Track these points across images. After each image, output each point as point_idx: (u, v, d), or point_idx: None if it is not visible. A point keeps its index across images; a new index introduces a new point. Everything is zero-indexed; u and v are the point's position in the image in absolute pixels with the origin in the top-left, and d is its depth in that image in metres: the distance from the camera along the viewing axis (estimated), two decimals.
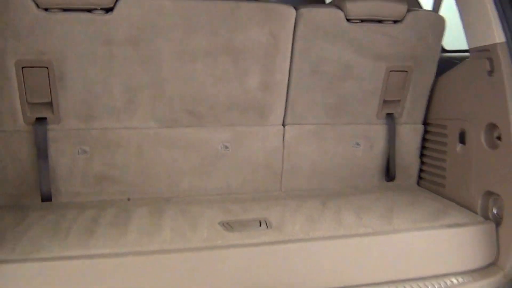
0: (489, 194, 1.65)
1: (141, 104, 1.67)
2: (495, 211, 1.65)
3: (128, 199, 1.74)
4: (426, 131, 2.00)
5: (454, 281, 1.50)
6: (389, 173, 1.96)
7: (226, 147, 1.79)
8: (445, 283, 1.49)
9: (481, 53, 1.64)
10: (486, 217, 1.65)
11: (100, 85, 1.61)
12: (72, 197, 1.69)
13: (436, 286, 1.48)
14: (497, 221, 1.61)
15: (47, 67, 1.55)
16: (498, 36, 1.56)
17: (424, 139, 2.00)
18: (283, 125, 1.84)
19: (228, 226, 1.52)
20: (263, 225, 1.54)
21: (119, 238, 1.40)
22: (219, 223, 1.54)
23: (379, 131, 1.94)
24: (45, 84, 1.57)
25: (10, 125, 1.60)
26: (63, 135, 1.65)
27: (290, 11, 1.66)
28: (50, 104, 1.61)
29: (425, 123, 1.99)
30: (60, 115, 1.62)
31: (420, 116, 1.97)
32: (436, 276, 1.51)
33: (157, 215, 1.58)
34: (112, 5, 1.52)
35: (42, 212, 1.57)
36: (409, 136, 1.98)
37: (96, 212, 1.58)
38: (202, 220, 1.55)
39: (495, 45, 1.57)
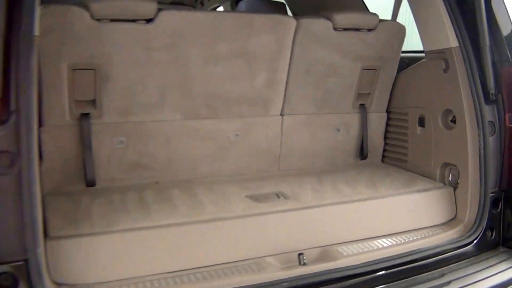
0: (446, 165, 2.12)
1: (170, 100, 1.96)
2: (450, 178, 2.12)
3: (157, 183, 2.02)
4: (389, 118, 2.44)
5: (429, 232, 1.94)
6: (362, 153, 2.39)
7: (237, 135, 2.13)
8: (423, 234, 1.92)
9: (437, 55, 2.10)
10: (445, 184, 2.12)
11: (138, 85, 1.88)
12: (110, 182, 1.94)
13: (415, 237, 1.90)
14: (454, 186, 2.08)
15: (94, 69, 1.79)
16: (452, 41, 2.01)
17: (387, 125, 2.45)
18: (281, 115, 2.20)
19: (255, 198, 1.86)
20: (281, 197, 1.90)
21: (174, 211, 1.69)
22: (246, 197, 1.87)
23: (354, 118, 2.36)
24: (91, 84, 1.82)
25: (58, 120, 1.82)
26: (103, 128, 1.90)
27: (293, 22, 2.02)
28: (93, 102, 1.85)
29: (388, 111, 2.44)
30: (102, 111, 1.87)
31: (384, 105, 2.41)
32: (414, 230, 1.95)
33: (190, 193, 1.88)
34: (152, 17, 1.80)
35: (90, 196, 1.81)
36: (376, 123, 2.41)
37: (137, 194, 1.85)
38: (230, 195, 1.88)
39: (450, 49, 2.02)
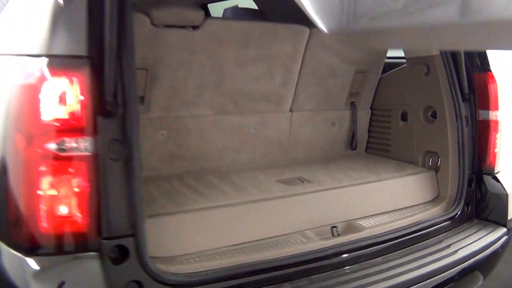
0: (427, 152, 2.52)
1: (205, 97, 2.21)
2: (430, 163, 2.52)
3: (189, 171, 2.25)
4: (372, 114, 2.83)
5: (422, 208, 2.31)
6: (352, 144, 2.75)
7: (255, 129, 2.41)
8: (417, 209, 2.30)
9: (419, 61, 2.50)
10: (426, 168, 2.53)
11: (180, 84, 2.11)
12: (150, 171, 2.14)
13: (413, 212, 2.27)
14: (435, 170, 2.49)
15: (146, 69, 2.00)
16: (435, 50, 2.42)
17: (370, 120, 2.83)
18: (291, 111, 2.51)
19: (284, 182, 2.15)
20: (304, 181, 2.20)
21: (225, 194, 1.95)
22: (275, 181, 2.16)
23: (346, 114, 2.72)
24: (142, 83, 2.02)
25: None
26: (148, 123, 2.10)
27: (307, 30, 2.33)
28: (142, 98, 2.05)
29: (372, 108, 2.82)
30: (149, 107, 2.08)
31: (369, 103, 2.79)
32: (410, 206, 2.32)
33: (227, 180, 2.14)
34: (199, 24, 2.04)
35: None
36: (362, 118, 2.79)
37: (179, 181, 2.08)
38: (262, 180, 2.16)
39: (432, 56, 2.42)
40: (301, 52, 2.36)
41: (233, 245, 1.79)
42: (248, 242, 1.82)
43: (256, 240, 1.84)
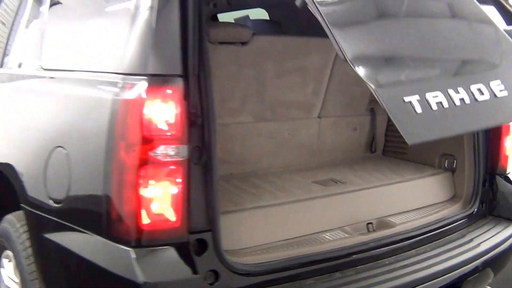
0: (443, 155, 2.75)
1: (248, 106, 2.42)
2: (446, 165, 2.75)
3: (231, 174, 2.46)
4: (389, 119, 3.06)
5: (443, 206, 2.54)
6: (372, 147, 2.99)
7: (289, 134, 2.63)
8: (439, 207, 2.53)
9: None
10: (443, 169, 2.76)
11: (228, 94, 2.32)
12: None
13: (434, 210, 2.50)
14: (452, 171, 2.72)
15: None
16: None
17: (387, 124, 3.07)
18: (319, 117, 2.73)
19: (320, 183, 2.37)
20: (338, 182, 2.43)
21: (273, 194, 2.16)
22: (312, 182, 2.38)
23: (366, 120, 2.95)
24: None
25: None
26: None
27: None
28: None
29: None
30: None
31: None
32: (432, 205, 2.56)
33: (269, 181, 2.35)
34: (247, 40, 2.25)
35: None
36: (381, 123, 3.03)
37: (226, 182, 2.28)
38: (300, 182, 2.37)
39: None
40: (330, 64, 2.58)
41: (286, 240, 2.00)
42: (299, 236, 2.03)
43: (305, 235, 2.05)
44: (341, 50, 1.42)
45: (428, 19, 1.74)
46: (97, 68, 1.76)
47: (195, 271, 1.55)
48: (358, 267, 1.97)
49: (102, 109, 1.58)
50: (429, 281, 2.00)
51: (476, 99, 1.52)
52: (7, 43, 2.79)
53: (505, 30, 1.78)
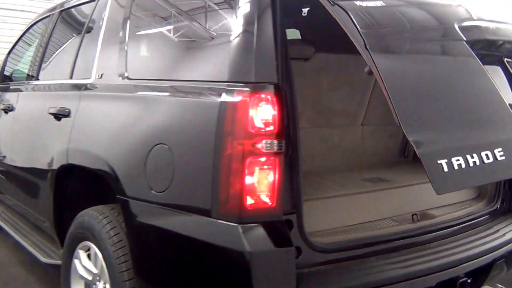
0: None
1: (306, 113, 2.77)
2: None
3: None
4: None
5: (469, 203, 2.88)
6: (405, 153, 3.34)
7: (338, 139, 2.98)
8: (466, 204, 2.87)
9: None
10: None
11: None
12: None
13: (464, 206, 2.84)
14: None
15: None
16: None
17: None
18: (362, 125, 3.08)
19: (369, 181, 2.71)
20: (384, 180, 2.77)
21: (334, 188, 2.50)
22: (362, 180, 2.72)
23: (400, 128, 3.29)
24: None
25: None
26: None
27: None
28: None
29: None
30: None
31: None
32: (462, 201, 2.90)
33: (324, 178, 2.69)
34: (310, 57, 2.61)
35: None
36: None
37: None
38: (352, 179, 2.71)
39: None
40: (374, 79, 2.94)
41: (349, 225, 2.33)
42: (358, 223, 2.37)
43: (363, 222, 2.39)
44: (395, 112, 1.83)
45: (464, 84, 2.14)
46: (197, 77, 2.10)
47: (289, 244, 1.87)
48: (409, 249, 2.30)
49: (210, 111, 1.91)
50: (467, 262, 2.33)
51: (496, 158, 1.97)
52: (76, 56, 3.13)
53: None
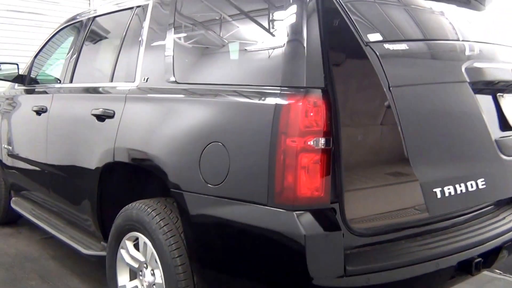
0: None
1: None
2: None
3: None
4: None
5: None
6: None
7: (361, 137, 3.23)
8: None
9: None
10: None
11: None
12: None
13: None
14: None
15: None
16: None
17: None
18: (381, 124, 3.35)
19: (391, 175, 2.98)
20: (404, 174, 3.04)
21: (363, 180, 2.77)
22: (385, 174, 2.99)
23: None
24: None
25: None
26: None
27: None
28: None
29: None
30: None
31: None
32: None
33: (354, 174, 2.95)
34: (340, 63, 2.87)
35: None
36: None
37: None
38: (375, 173, 2.96)
39: None
40: None
41: (380, 213, 2.60)
42: (387, 212, 2.64)
43: (391, 211, 2.66)
44: (405, 147, 2.42)
45: (461, 124, 2.56)
46: (249, 82, 2.36)
47: (337, 228, 2.15)
48: (432, 233, 2.57)
49: (266, 112, 2.17)
50: (480, 245, 2.58)
51: (478, 187, 2.48)
52: (116, 61, 3.37)
53: None
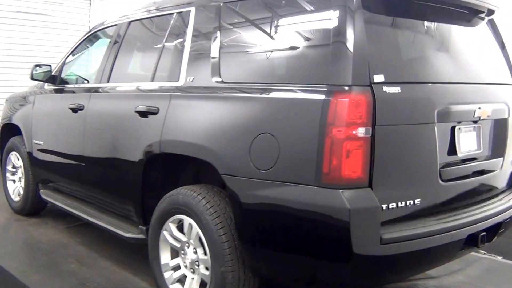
0: None
1: None
2: None
3: None
4: None
5: None
6: None
7: None
8: None
9: None
10: None
11: None
12: None
13: None
14: None
15: None
16: None
17: None
18: None
19: None
20: None
21: None
22: None
23: None
24: None
25: None
26: None
27: None
28: None
29: None
30: None
31: None
32: None
33: None
34: None
35: None
36: None
37: None
38: None
39: None
40: None
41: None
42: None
43: None
44: None
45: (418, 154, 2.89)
46: (297, 80, 2.75)
47: (375, 204, 2.55)
48: (446, 211, 2.97)
49: (315, 106, 2.56)
50: (485, 221, 3.01)
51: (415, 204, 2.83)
52: (158, 62, 3.73)
53: None
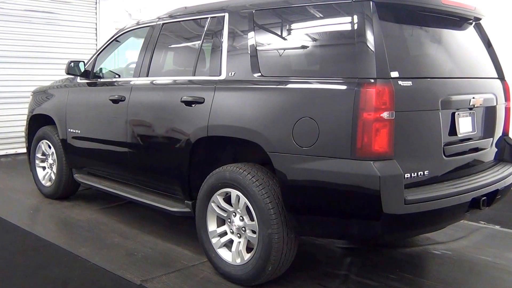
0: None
1: None
2: None
3: None
4: None
5: None
6: None
7: None
8: None
9: None
10: None
11: None
12: None
13: None
14: None
15: None
16: None
17: None
18: None
19: None
20: None
21: None
22: None
23: None
24: None
25: None
26: None
27: None
28: None
29: None
30: None
31: None
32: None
33: None
34: None
35: None
36: None
37: None
38: None
39: None
40: None
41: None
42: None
43: None
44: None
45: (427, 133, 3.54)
46: (330, 74, 3.37)
47: (399, 172, 3.20)
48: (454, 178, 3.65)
49: (349, 95, 3.18)
50: (485, 187, 3.66)
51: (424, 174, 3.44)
52: (197, 59, 4.31)
53: None
